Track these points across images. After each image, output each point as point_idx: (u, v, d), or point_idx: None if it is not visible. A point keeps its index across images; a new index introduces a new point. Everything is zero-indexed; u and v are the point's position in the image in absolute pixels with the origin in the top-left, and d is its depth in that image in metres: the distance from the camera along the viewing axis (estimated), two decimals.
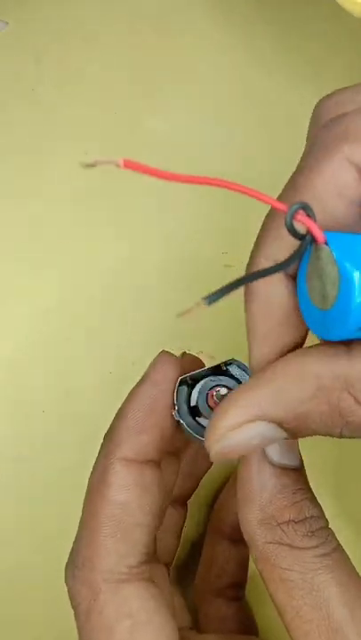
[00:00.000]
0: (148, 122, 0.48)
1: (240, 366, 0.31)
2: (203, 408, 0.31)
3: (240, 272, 0.45)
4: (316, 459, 0.39)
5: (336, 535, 0.28)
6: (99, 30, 0.49)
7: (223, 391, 0.31)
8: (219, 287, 0.23)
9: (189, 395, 0.32)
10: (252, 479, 0.28)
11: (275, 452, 0.28)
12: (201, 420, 0.31)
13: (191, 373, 0.31)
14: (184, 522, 0.39)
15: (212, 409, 0.31)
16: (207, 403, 0.31)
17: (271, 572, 0.27)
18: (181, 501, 0.39)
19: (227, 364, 0.31)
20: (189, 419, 0.31)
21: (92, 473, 0.31)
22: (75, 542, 0.30)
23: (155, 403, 0.31)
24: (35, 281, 0.46)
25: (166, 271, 0.46)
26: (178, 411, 0.31)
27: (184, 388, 0.31)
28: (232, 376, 0.32)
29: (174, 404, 0.31)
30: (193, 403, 0.31)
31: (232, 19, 0.50)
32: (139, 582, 0.29)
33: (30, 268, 0.46)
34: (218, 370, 0.32)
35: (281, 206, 0.23)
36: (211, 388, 0.31)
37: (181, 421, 0.31)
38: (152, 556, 0.30)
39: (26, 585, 0.42)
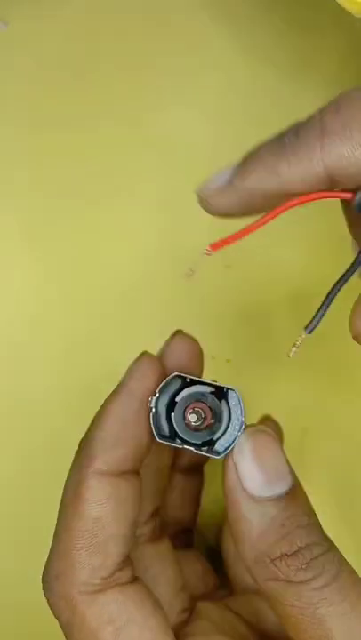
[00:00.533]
0: (148, 122, 0.48)
1: (238, 398, 0.30)
2: (178, 413, 0.30)
3: (240, 272, 0.46)
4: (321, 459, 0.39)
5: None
6: (99, 30, 0.49)
7: (193, 418, 0.29)
8: (314, 313, 0.26)
9: (179, 391, 0.30)
10: (238, 519, 0.28)
11: (255, 486, 0.27)
12: (173, 418, 0.30)
13: (193, 377, 0.30)
14: (202, 487, 0.40)
15: (184, 421, 0.30)
16: (184, 412, 0.30)
17: (276, 608, 0.27)
18: (196, 468, 0.39)
19: (228, 388, 0.30)
20: (163, 411, 0.30)
21: (66, 483, 0.30)
22: (49, 553, 0.29)
23: (131, 414, 0.29)
24: (35, 281, 0.46)
25: (166, 271, 0.46)
26: (157, 399, 0.30)
27: (178, 382, 0.30)
28: (226, 401, 0.30)
29: (156, 391, 0.30)
30: (177, 399, 0.30)
31: (232, 18, 0.50)
32: (113, 589, 0.28)
33: (30, 267, 0.46)
34: (217, 390, 0.30)
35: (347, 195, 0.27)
36: (196, 401, 0.30)
37: (153, 410, 0.30)
38: (128, 561, 0.30)
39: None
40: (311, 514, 0.28)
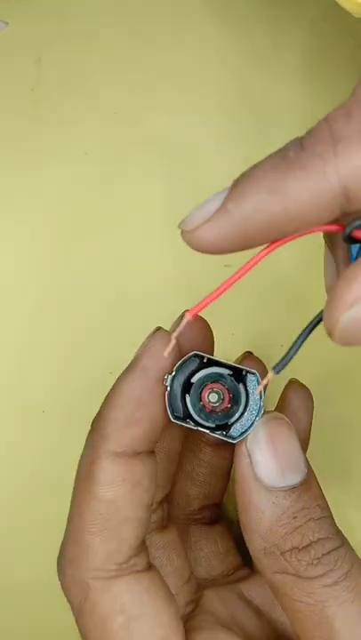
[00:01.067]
0: (148, 122, 0.48)
1: (257, 381, 0.28)
2: (194, 394, 0.28)
3: None
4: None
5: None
6: (99, 30, 0.49)
7: (213, 398, 0.28)
8: (282, 356, 0.26)
9: (195, 371, 0.29)
10: (248, 508, 0.27)
11: (268, 475, 0.27)
12: (188, 398, 0.29)
13: (211, 357, 0.29)
14: (232, 461, 0.38)
15: (200, 402, 0.28)
16: (200, 393, 0.29)
17: (283, 601, 0.27)
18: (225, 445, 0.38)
19: (248, 371, 0.29)
20: (178, 390, 0.29)
21: (79, 465, 0.29)
22: (64, 537, 0.29)
23: (145, 393, 0.28)
24: (35, 281, 0.46)
25: (166, 271, 0.46)
26: (173, 377, 0.28)
27: (195, 362, 0.29)
28: (244, 384, 0.29)
29: (173, 370, 0.28)
30: (194, 380, 0.29)
31: (232, 18, 0.50)
32: (129, 576, 0.27)
33: (31, 268, 0.46)
34: (236, 371, 0.29)
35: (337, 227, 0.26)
36: (213, 382, 0.29)
37: (168, 389, 0.28)
38: (143, 546, 0.29)
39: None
40: (325, 507, 0.27)
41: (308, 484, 0.27)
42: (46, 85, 0.48)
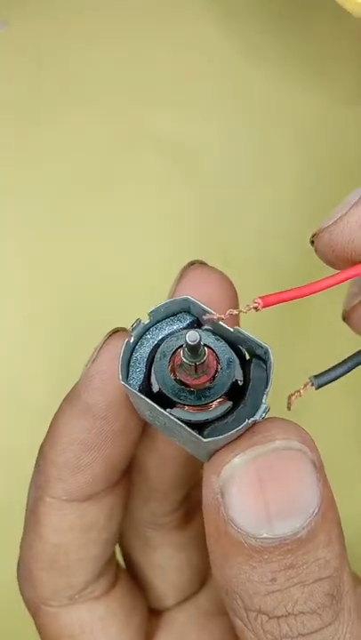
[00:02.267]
0: (148, 122, 0.48)
1: (266, 366, 0.21)
2: (162, 355, 0.21)
3: (240, 272, 0.45)
4: None
5: None
6: (99, 31, 0.49)
7: (191, 354, 0.20)
8: (329, 368, 0.20)
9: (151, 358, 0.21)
10: (215, 545, 0.20)
11: (244, 522, 0.19)
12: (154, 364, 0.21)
13: (207, 308, 0.21)
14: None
15: (170, 365, 0.21)
16: (171, 355, 0.21)
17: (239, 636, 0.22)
18: None
19: (257, 351, 0.21)
20: (146, 352, 0.22)
21: (28, 495, 0.26)
22: (19, 555, 0.26)
23: (92, 436, 0.23)
24: (35, 281, 0.46)
25: (166, 271, 0.46)
26: (142, 328, 0.21)
27: (186, 319, 0.22)
28: (247, 365, 0.21)
29: (148, 317, 0.21)
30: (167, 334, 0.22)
31: (232, 19, 0.50)
32: (82, 605, 0.25)
33: (30, 268, 0.46)
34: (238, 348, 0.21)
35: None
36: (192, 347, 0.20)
37: (130, 340, 0.21)
38: (105, 568, 0.26)
39: None
40: (331, 561, 0.20)
41: (311, 532, 0.19)
42: (46, 85, 0.48)
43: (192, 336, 0.19)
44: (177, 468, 0.27)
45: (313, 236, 0.22)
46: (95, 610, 0.25)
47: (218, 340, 0.21)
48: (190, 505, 0.30)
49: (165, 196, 0.47)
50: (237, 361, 0.21)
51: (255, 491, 0.19)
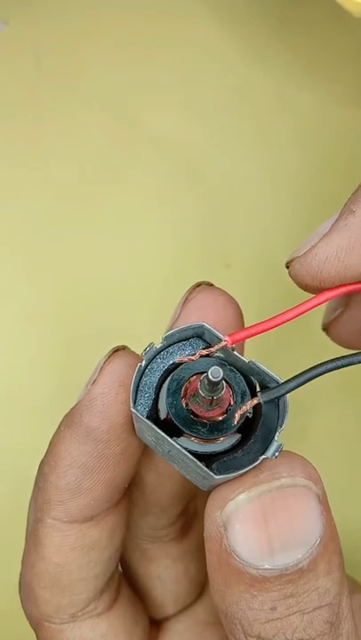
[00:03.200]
0: (147, 122, 0.48)
1: (285, 406, 0.21)
2: (174, 383, 0.20)
3: (240, 272, 0.45)
4: None
5: None
6: (98, 31, 0.49)
7: (208, 387, 0.20)
8: (279, 384, 0.20)
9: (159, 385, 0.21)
10: (215, 573, 0.20)
11: (248, 555, 0.19)
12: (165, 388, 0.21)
13: (227, 345, 0.20)
14: None
15: (182, 396, 0.20)
16: (184, 384, 0.20)
17: None
18: None
19: (267, 384, 0.21)
20: (156, 377, 0.21)
21: (28, 512, 0.25)
22: (21, 572, 0.26)
23: (92, 460, 0.23)
24: (35, 282, 0.46)
25: (167, 272, 0.46)
26: (157, 352, 0.21)
27: (198, 344, 0.21)
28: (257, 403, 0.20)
29: (162, 341, 0.21)
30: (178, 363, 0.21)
31: (232, 19, 0.50)
32: (84, 622, 0.25)
33: (30, 268, 0.46)
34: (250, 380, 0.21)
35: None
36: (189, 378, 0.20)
37: (142, 365, 0.20)
38: (108, 585, 0.26)
39: None
40: (330, 590, 0.20)
41: (314, 562, 0.20)
42: (46, 85, 0.48)
43: (215, 372, 0.19)
44: (175, 485, 0.28)
45: (287, 263, 0.23)
46: (97, 627, 0.25)
47: (232, 370, 0.21)
48: (187, 518, 0.30)
49: (166, 196, 0.47)
50: (250, 395, 0.21)
51: (259, 526, 0.20)
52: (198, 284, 0.24)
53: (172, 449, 0.20)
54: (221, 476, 0.19)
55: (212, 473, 0.19)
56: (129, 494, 0.26)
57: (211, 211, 0.47)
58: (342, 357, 0.21)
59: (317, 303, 0.22)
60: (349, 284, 0.22)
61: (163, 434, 0.20)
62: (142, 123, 0.48)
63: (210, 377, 0.19)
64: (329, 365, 0.21)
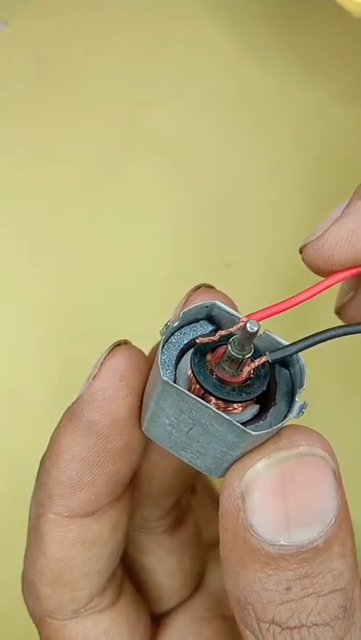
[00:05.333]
0: (148, 122, 0.48)
1: (302, 369, 0.21)
2: (197, 354, 0.21)
3: (240, 272, 0.46)
4: None
5: None
6: (99, 31, 0.49)
7: (237, 350, 0.20)
8: (286, 345, 0.21)
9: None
10: (229, 553, 0.20)
11: (263, 527, 0.19)
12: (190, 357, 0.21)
13: (235, 313, 0.22)
14: None
15: (207, 362, 0.21)
16: (207, 352, 0.21)
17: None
18: None
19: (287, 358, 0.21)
20: (174, 354, 0.22)
21: (30, 509, 0.25)
22: (23, 568, 0.26)
23: (93, 455, 0.23)
24: (34, 282, 0.46)
25: (167, 271, 0.46)
26: (175, 328, 0.21)
27: (207, 327, 0.22)
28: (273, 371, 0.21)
29: (178, 315, 0.21)
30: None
31: (232, 19, 0.50)
32: (86, 619, 0.25)
33: (29, 267, 0.46)
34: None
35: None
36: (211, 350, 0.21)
37: (163, 343, 0.21)
38: (110, 581, 0.26)
39: None
40: (344, 573, 0.20)
41: (328, 542, 0.19)
42: (46, 85, 0.48)
43: (253, 324, 0.19)
44: (168, 477, 0.28)
45: (301, 248, 0.24)
46: (100, 623, 0.25)
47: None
48: (180, 511, 0.30)
49: (166, 195, 0.47)
50: (267, 367, 0.22)
51: (277, 496, 0.20)
52: (198, 287, 0.24)
53: (203, 416, 0.20)
54: (259, 432, 0.19)
55: (248, 430, 0.19)
56: (131, 490, 0.26)
57: (211, 210, 0.47)
58: (349, 325, 0.22)
59: (328, 285, 0.23)
60: (358, 265, 0.23)
61: (196, 397, 0.20)
62: (142, 122, 0.48)
63: (248, 328, 0.19)
64: (336, 331, 0.21)
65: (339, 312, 0.28)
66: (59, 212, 0.46)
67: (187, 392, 0.20)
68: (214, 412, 0.20)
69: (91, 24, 0.49)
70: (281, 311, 0.22)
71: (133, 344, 0.25)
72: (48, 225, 0.46)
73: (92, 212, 0.47)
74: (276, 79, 0.49)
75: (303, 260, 0.24)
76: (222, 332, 0.21)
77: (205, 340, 0.21)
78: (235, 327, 0.21)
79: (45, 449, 0.25)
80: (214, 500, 0.29)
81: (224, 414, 0.20)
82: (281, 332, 0.22)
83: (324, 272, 0.23)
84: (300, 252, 0.24)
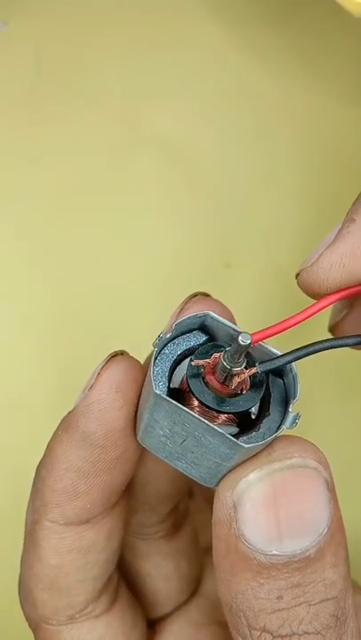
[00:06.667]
0: (148, 121, 0.48)
1: (294, 378, 0.21)
2: (192, 363, 0.21)
3: (240, 272, 0.45)
4: None
5: None
6: (98, 30, 0.49)
7: (232, 361, 0.20)
8: (277, 356, 0.21)
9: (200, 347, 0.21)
10: (222, 560, 0.20)
11: (255, 538, 0.19)
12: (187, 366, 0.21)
13: (230, 325, 0.21)
14: None
15: (202, 371, 0.21)
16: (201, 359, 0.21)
17: None
18: None
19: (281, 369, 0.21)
20: (167, 365, 0.22)
21: (26, 513, 0.25)
22: (20, 573, 0.26)
23: (88, 465, 0.23)
24: (34, 283, 0.46)
25: (167, 271, 0.46)
26: (168, 340, 0.21)
27: (200, 337, 0.22)
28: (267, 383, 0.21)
29: (170, 329, 0.21)
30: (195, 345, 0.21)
31: (233, 19, 0.50)
32: (82, 624, 0.25)
33: (29, 269, 0.46)
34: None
35: None
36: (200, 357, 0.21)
37: (156, 354, 0.21)
38: (106, 586, 0.26)
39: None
40: (336, 582, 0.20)
41: (321, 551, 0.20)
42: (46, 85, 0.48)
43: (245, 337, 0.19)
44: (164, 484, 0.28)
45: (296, 274, 0.25)
46: (95, 629, 0.25)
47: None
48: (178, 516, 0.30)
49: (166, 196, 0.47)
50: (265, 379, 0.22)
51: (269, 507, 0.20)
52: (195, 295, 0.25)
53: (196, 429, 0.20)
54: (251, 445, 0.20)
55: (240, 442, 0.19)
56: (126, 497, 0.26)
57: (211, 211, 0.47)
58: (338, 338, 0.22)
59: (323, 306, 0.23)
60: (350, 287, 0.23)
61: (188, 410, 0.20)
62: (142, 123, 0.48)
63: (240, 341, 0.19)
64: (325, 344, 0.21)
65: (332, 330, 0.28)
66: (59, 211, 0.46)
67: (179, 405, 0.20)
68: (207, 424, 0.20)
69: (91, 23, 0.49)
70: (276, 334, 0.21)
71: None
72: (48, 225, 0.46)
73: (91, 212, 0.47)
74: (276, 79, 0.49)
75: (299, 285, 0.24)
76: (216, 356, 0.21)
77: (201, 362, 0.21)
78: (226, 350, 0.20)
79: (43, 453, 0.25)
80: (211, 503, 0.29)
81: (216, 427, 0.20)
82: (274, 342, 0.22)
83: (320, 296, 0.24)
84: (296, 278, 0.24)
